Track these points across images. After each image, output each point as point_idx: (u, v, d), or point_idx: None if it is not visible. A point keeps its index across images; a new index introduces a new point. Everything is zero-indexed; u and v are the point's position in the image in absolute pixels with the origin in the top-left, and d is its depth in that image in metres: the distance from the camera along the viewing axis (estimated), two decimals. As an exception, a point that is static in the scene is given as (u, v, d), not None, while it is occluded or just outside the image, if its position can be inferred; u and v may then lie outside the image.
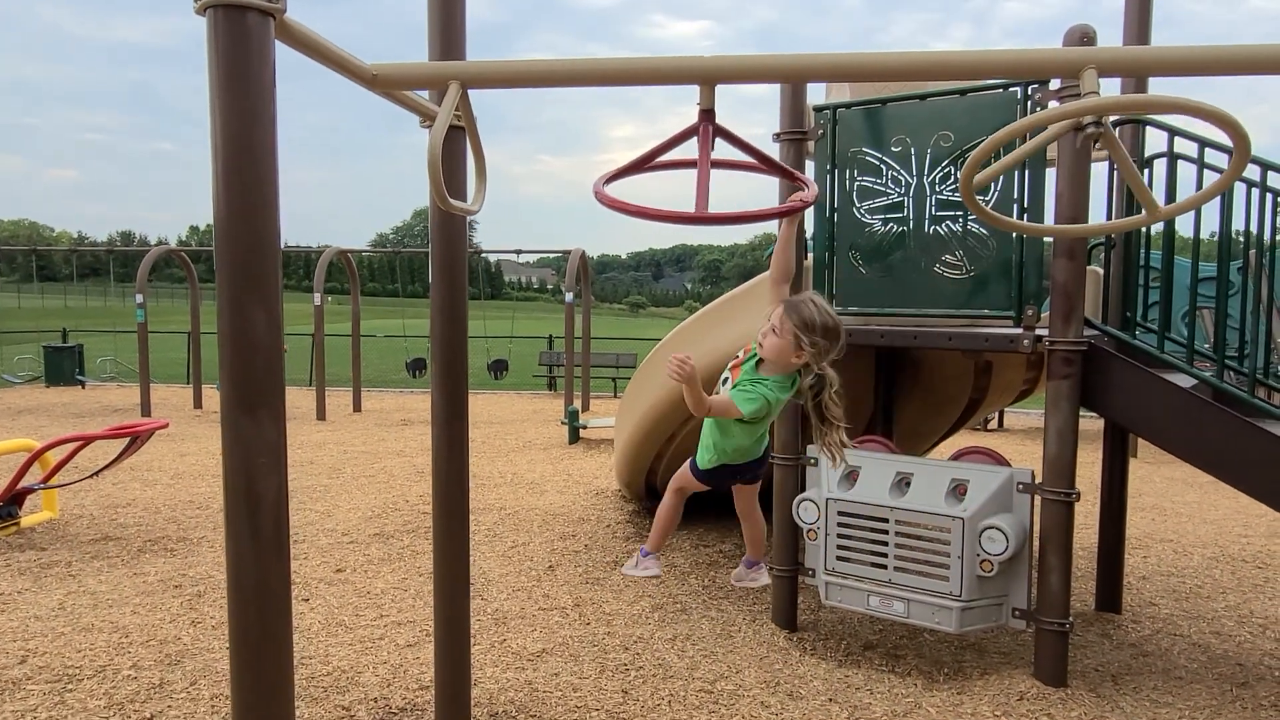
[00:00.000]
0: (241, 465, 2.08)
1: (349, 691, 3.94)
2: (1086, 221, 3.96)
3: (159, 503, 7.50)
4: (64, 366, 17.60)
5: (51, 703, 3.79)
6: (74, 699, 3.83)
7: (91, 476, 6.95)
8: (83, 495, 7.62)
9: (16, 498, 6.46)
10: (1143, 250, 4.62)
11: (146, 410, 13.18)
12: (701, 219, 2.27)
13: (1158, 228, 4.71)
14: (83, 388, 17.43)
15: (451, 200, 2.60)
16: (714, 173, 2.72)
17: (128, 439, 6.50)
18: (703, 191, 2.26)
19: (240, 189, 1.98)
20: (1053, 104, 3.89)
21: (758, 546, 4.09)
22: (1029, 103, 4.00)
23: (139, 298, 13.78)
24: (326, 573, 5.64)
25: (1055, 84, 3.88)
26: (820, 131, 4.58)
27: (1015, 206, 4.10)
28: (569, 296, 14.75)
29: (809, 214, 4.80)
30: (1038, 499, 4.10)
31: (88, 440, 6.38)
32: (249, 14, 1.94)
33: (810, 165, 4.72)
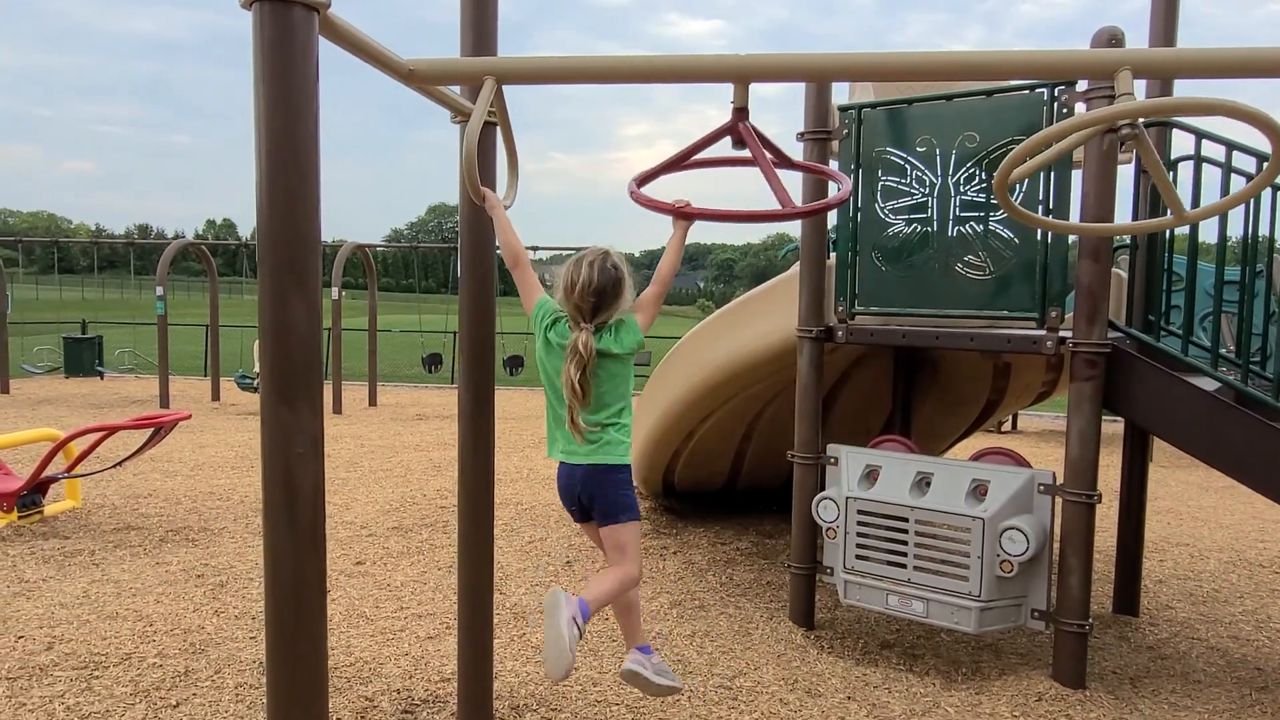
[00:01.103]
0: (280, 454, 2.11)
1: (372, 682, 3.98)
2: (1112, 222, 3.96)
3: (180, 493, 7.57)
4: (83, 358, 17.75)
5: (79, 689, 3.84)
6: (100, 685, 3.88)
7: (114, 466, 7.02)
8: (105, 485, 7.70)
9: (40, 486, 6.54)
10: (1166, 254, 4.61)
11: (165, 402, 13.29)
12: (791, 214, 2.28)
13: (1182, 231, 4.70)
14: (101, 379, 17.58)
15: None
16: (722, 169, 2.74)
17: (150, 430, 6.57)
18: (778, 186, 2.26)
19: (284, 182, 2.01)
20: (1080, 106, 3.89)
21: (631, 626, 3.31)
22: (1055, 104, 4.00)
23: (159, 290, 13.89)
24: (347, 565, 5.69)
25: (1082, 85, 3.88)
26: (845, 131, 4.59)
27: (1041, 207, 4.10)
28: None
29: (832, 213, 4.82)
30: (1058, 501, 4.10)
31: (112, 430, 6.45)
32: (294, 9, 1.97)
33: (834, 165, 4.73)
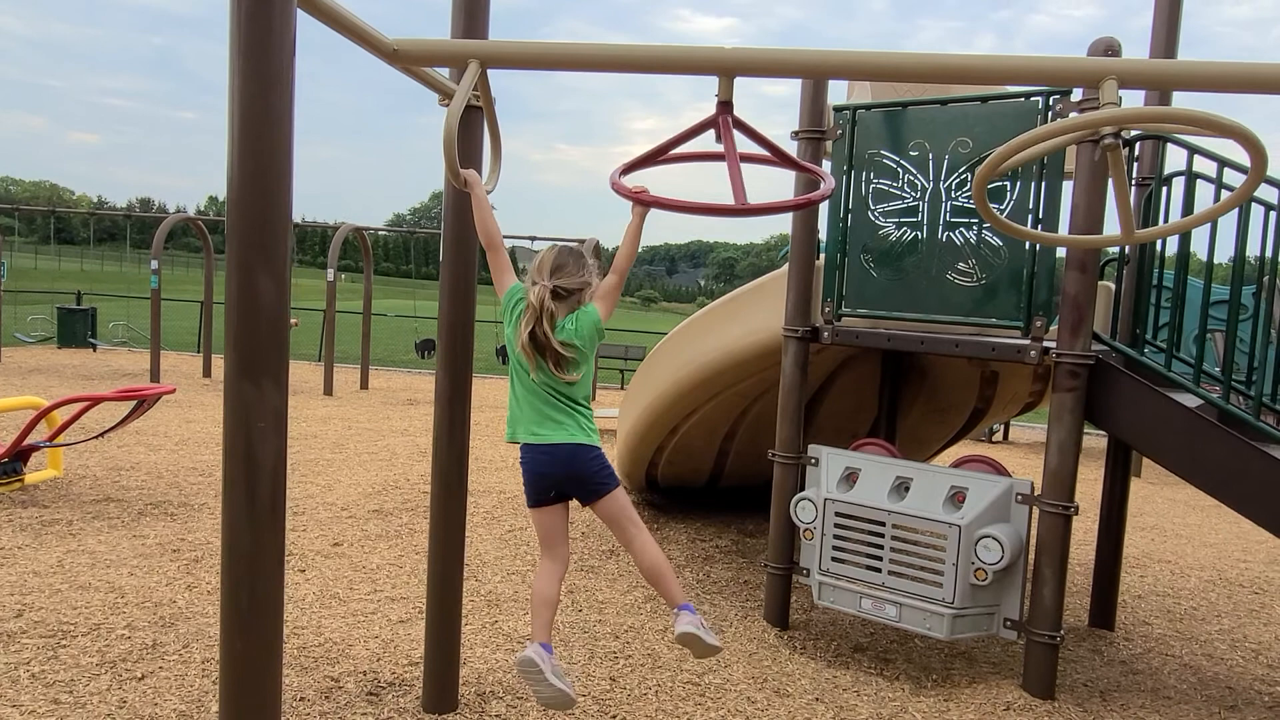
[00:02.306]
0: (241, 429, 2.10)
1: (339, 663, 3.97)
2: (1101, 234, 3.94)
3: (162, 467, 7.55)
4: (76, 329, 17.70)
5: (45, 657, 3.83)
6: (67, 655, 3.87)
7: (97, 438, 7.00)
8: (87, 456, 7.68)
9: (22, 454, 6.52)
10: (1156, 269, 4.59)
11: (156, 376, 13.25)
12: (743, 210, 2.26)
13: (1173, 248, 4.70)
14: (94, 351, 17.53)
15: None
16: (722, 165, 2.72)
17: (134, 402, 6.55)
18: (738, 183, 2.25)
19: (254, 155, 2.00)
20: (1073, 115, 3.87)
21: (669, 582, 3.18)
22: (1049, 113, 3.98)
23: (154, 264, 13.85)
24: (324, 546, 5.68)
25: (1078, 95, 3.86)
26: (839, 131, 4.57)
27: (1030, 217, 4.08)
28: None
29: (822, 214, 4.80)
30: (1036, 511, 4.10)
31: (95, 401, 6.43)
32: (271, -20, 1.95)
33: (826, 165, 4.72)
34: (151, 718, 3.38)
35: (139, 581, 4.81)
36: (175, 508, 6.31)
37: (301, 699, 3.60)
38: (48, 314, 19.62)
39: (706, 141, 2.59)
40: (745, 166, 2.78)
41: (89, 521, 5.85)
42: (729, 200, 2.24)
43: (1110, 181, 4.39)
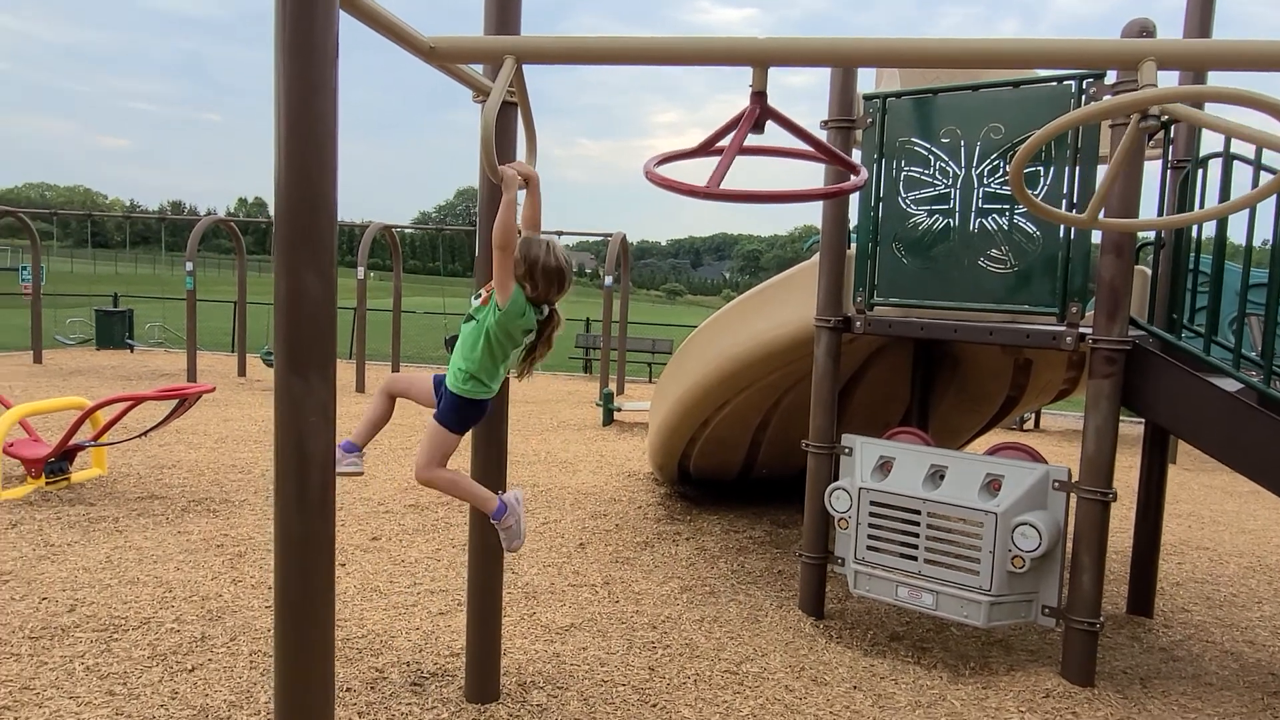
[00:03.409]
0: (292, 424, 2.15)
1: (383, 654, 4.04)
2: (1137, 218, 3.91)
3: (203, 465, 7.69)
4: (114, 330, 18.04)
5: (98, 650, 3.94)
6: (119, 648, 3.97)
7: (140, 436, 7.15)
8: (130, 455, 7.84)
9: (68, 454, 6.68)
10: (1193, 253, 4.54)
11: (193, 376, 13.47)
12: (776, 197, 2.29)
13: (1209, 232, 4.63)
14: (131, 352, 17.86)
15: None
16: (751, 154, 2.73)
17: (175, 401, 6.68)
18: (722, 170, 2.29)
19: (301, 154, 2.04)
20: (1115, 97, 3.83)
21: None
22: (1083, 96, 3.95)
23: (188, 266, 14.07)
24: (363, 540, 5.76)
25: (1111, 77, 3.83)
26: (869, 120, 4.56)
27: (1064, 201, 4.05)
28: (608, 280, 14.80)
29: (853, 203, 4.80)
30: (1073, 498, 4.07)
31: (137, 400, 6.56)
32: (315, -17, 1.99)
33: (857, 154, 4.71)
34: (203, 708, 3.46)
35: (185, 576, 4.92)
36: (217, 504, 6.44)
37: (348, 689, 3.67)
38: (86, 316, 20.01)
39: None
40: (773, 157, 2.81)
41: (134, 518, 5.98)
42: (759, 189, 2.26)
43: (1160, 163, 4.37)
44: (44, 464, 6.48)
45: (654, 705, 3.70)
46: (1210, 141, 4.39)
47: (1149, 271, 4.82)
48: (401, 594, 4.83)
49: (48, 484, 6.50)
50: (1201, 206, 4.42)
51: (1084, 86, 3.95)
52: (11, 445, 6.52)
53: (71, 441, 6.55)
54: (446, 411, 3.32)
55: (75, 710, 3.40)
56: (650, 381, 16.47)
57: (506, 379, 3.43)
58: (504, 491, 3.49)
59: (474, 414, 3.37)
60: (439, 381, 3.40)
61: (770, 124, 2.48)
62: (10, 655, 3.84)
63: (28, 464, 6.49)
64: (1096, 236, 4.23)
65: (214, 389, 7.21)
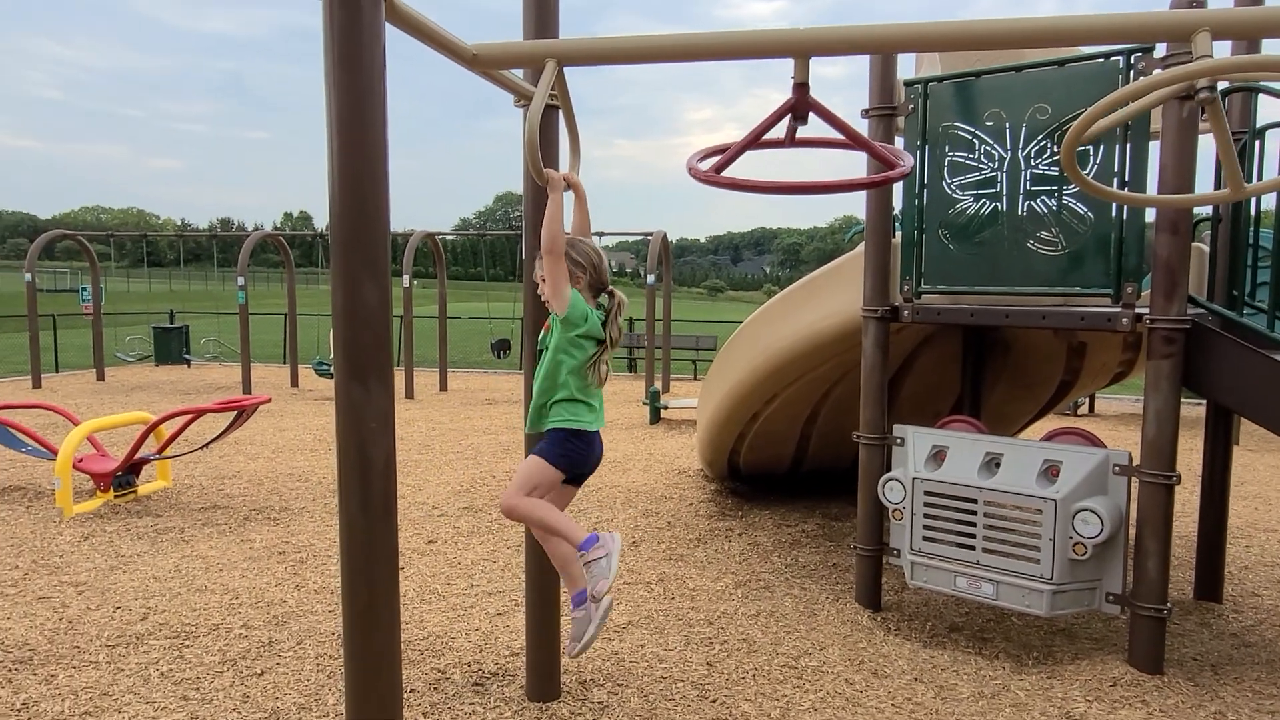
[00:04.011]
0: (353, 431, 2.20)
1: (443, 655, 4.10)
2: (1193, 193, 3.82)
3: (262, 475, 7.87)
4: (171, 346, 18.53)
5: (171, 657, 4.06)
6: (191, 654, 4.09)
7: (201, 448, 7.35)
8: (193, 467, 8.06)
9: (134, 467, 6.88)
10: (1252, 227, 4.42)
11: (248, 388, 13.79)
12: (758, 187, 2.29)
13: (1269, 204, 4.51)
14: (188, 366, 18.33)
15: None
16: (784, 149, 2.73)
17: (234, 413, 6.85)
18: (872, 149, 2.26)
19: (354, 165, 2.09)
20: (1157, 72, 3.75)
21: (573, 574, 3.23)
22: (1131, 72, 3.87)
23: (240, 280, 14.39)
24: (419, 544, 5.85)
25: (1160, 50, 3.74)
26: (910, 107, 4.51)
27: (1116, 180, 3.97)
28: (650, 279, 14.82)
29: (897, 191, 4.75)
30: (1135, 482, 3.99)
31: (199, 413, 6.74)
32: (362, -2, 2.03)
33: (899, 141, 4.66)
34: (274, 711, 3.55)
35: (250, 583, 5.04)
36: (277, 512, 6.58)
37: (412, 690, 3.74)
38: (144, 334, 20.58)
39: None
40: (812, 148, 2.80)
41: (199, 528, 6.14)
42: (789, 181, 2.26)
43: (1213, 136, 4.26)
44: (112, 478, 6.69)
45: (714, 701, 3.70)
46: (1267, 111, 4.27)
47: (1205, 248, 4.70)
48: (459, 596, 4.90)
49: (116, 497, 6.71)
50: (1260, 179, 4.31)
51: (1132, 61, 3.86)
52: (81, 460, 6.74)
53: (137, 455, 6.75)
54: (546, 446, 3.10)
55: (153, 715, 3.51)
56: (695, 379, 16.47)
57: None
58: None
59: (578, 448, 3.10)
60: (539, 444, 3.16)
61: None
62: (89, 663, 3.97)
63: (96, 478, 6.71)
64: (1150, 214, 4.14)
65: (270, 400, 7.38)
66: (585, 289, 3.10)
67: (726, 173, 2.56)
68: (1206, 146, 3.75)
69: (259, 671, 3.91)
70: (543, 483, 3.09)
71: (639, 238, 16.63)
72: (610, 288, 3.17)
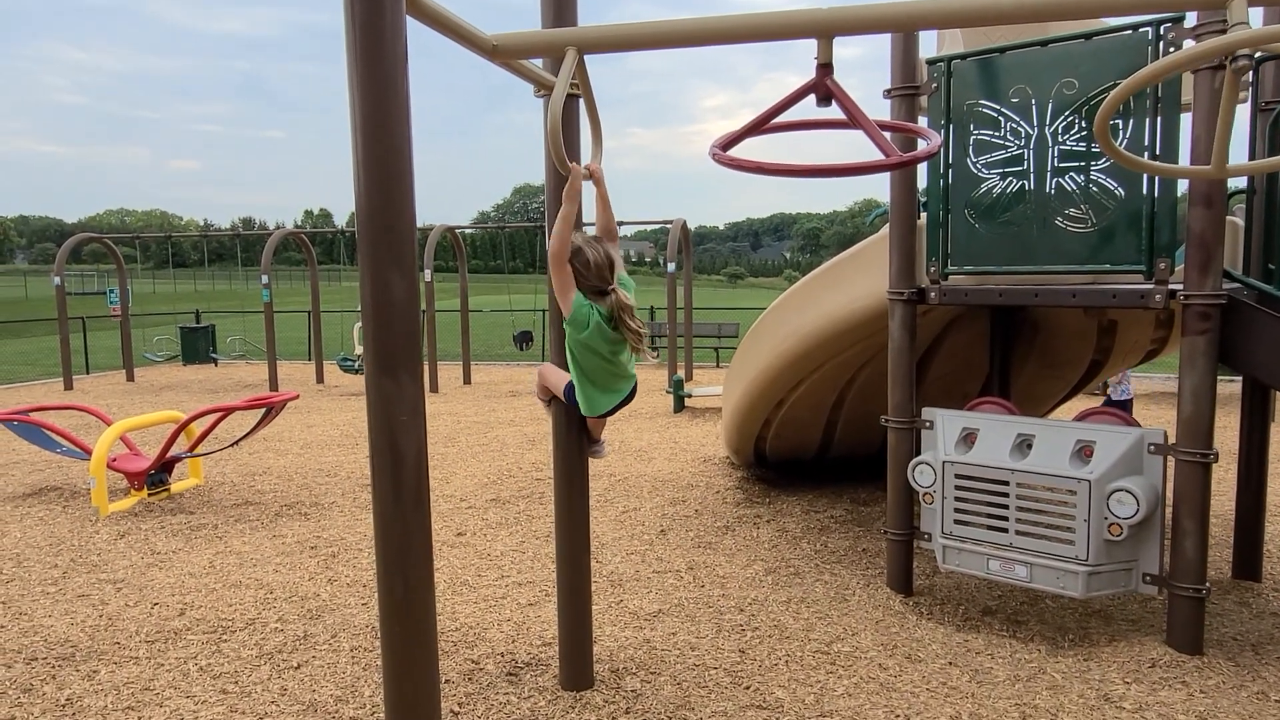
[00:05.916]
0: (384, 423, 2.20)
1: (476, 646, 4.13)
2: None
3: (291, 470, 7.95)
4: (198, 345, 18.72)
5: (209, 651, 4.11)
6: (229, 648, 4.14)
7: (231, 446, 7.43)
8: (224, 464, 8.15)
9: (167, 465, 6.97)
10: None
11: (274, 385, 13.92)
12: (784, 170, 2.26)
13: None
14: (215, 365, 18.52)
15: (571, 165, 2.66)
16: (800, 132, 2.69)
17: (263, 410, 6.91)
18: (878, 137, 2.25)
19: (379, 159, 2.08)
20: (1188, 43, 3.67)
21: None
22: (1161, 44, 3.79)
23: (264, 279, 14.51)
24: (448, 536, 5.89)
25: (1191, 20, 3.66)
26: (934, 85, 4.45)
27: (1146, 153, 3.90)
28: (670, 267, 14.79)
29: (921, 171, 4.70)
30: (1171, 461, 3.93)
31: (228, 411, 6.81)
32: (383, -9, 2.02)
33: (923, 120, 4.60)
34: (311, 704, 3.59)
35: (284, 578, 5.09)
36: (308, 507, 6.65)
37: (447, 681, 3.76)
38: (171, 334, 20.82)
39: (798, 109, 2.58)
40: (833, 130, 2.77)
41: (232, 524, 6.21)
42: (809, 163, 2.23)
43: (1250, 107, 4.17)
44: (145, 476, 6.78)
45: (747, 687, 3.70)
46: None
47: (1240, 222, 4.62)
48: (490, 587, 4.92)
49: (150, 495, 6.80)
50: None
51: (1162, 32, 3.79)
52: (115, 460, 6.83)
53: (169, 453, 6.83)
54: (568, 390, 3.43)
55: (193, 709, 3.56)
56: (718, 366, 16.43)
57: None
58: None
59: (614, 405, 3.47)
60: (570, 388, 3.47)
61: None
62: (130, 659, 4.04)
63: (130, 477, 6.80)
64: (1182, 187, 4.06)
65: (298, 396, 7.44)
66: (589, 292, 3.15)
67: (750, 158, 2.53)
68: (1243, 117, 3.67)
69: (295, 665, 3.95)
70: (554, 381, 3.53)
71: (658, 226, 16.58)
72: (611, 287, 3.18)
